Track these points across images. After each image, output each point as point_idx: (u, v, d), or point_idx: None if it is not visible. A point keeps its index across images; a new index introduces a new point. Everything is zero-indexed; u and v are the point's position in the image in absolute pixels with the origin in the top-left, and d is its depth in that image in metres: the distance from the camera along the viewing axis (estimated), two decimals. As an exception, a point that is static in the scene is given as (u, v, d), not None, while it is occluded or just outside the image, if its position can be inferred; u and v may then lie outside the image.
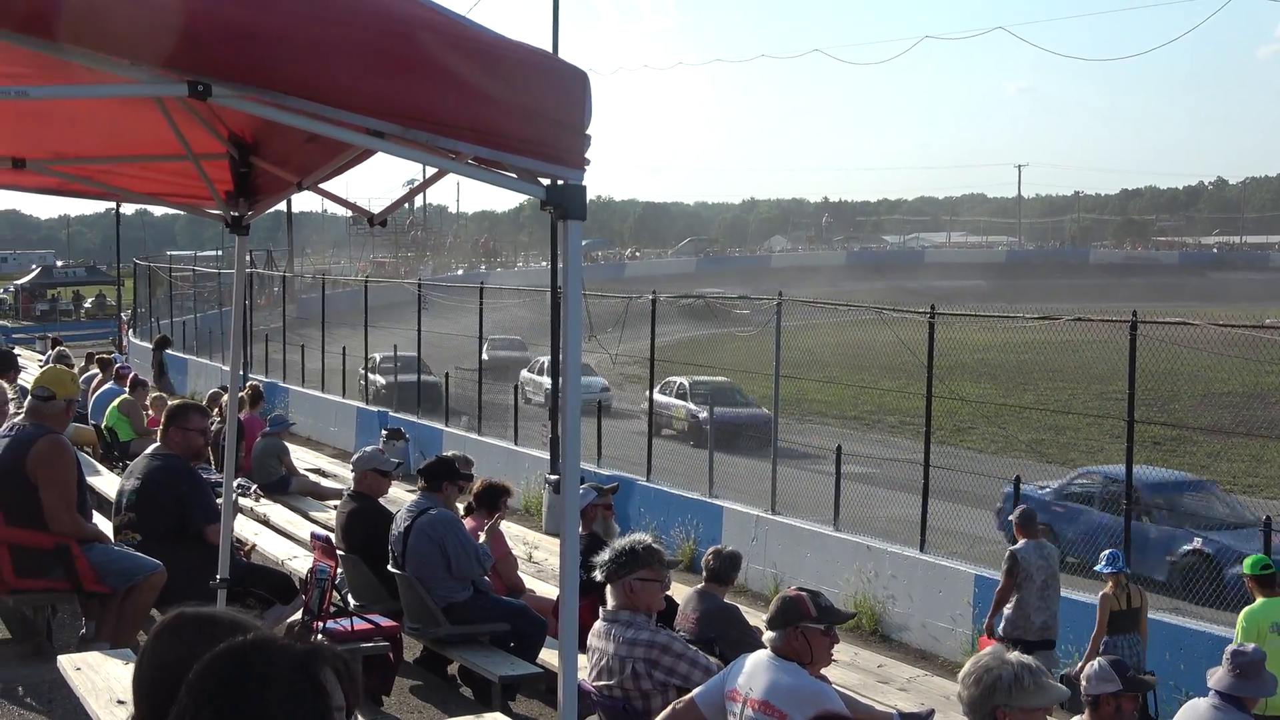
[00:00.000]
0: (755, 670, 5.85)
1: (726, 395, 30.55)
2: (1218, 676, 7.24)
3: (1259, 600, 10.63)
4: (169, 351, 29.08)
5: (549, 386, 30.23)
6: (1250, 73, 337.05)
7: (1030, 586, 12.07)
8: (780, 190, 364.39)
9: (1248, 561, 10.95)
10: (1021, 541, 12.31)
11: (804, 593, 6.04)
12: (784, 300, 18.64)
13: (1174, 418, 30.50)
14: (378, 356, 30.82)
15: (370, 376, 30.31)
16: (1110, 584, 11.67)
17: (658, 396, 26.76)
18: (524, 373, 34.06)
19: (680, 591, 9.46)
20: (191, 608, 3.17)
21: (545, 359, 32.33)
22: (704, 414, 24.93)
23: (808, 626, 5.85)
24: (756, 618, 9.07)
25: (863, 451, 23.86)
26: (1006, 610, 12.22)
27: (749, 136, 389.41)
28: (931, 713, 7.98)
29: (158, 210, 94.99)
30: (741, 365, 31.58)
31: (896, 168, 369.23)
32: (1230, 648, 7.54)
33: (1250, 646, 7.59)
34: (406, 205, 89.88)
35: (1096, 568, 11.97)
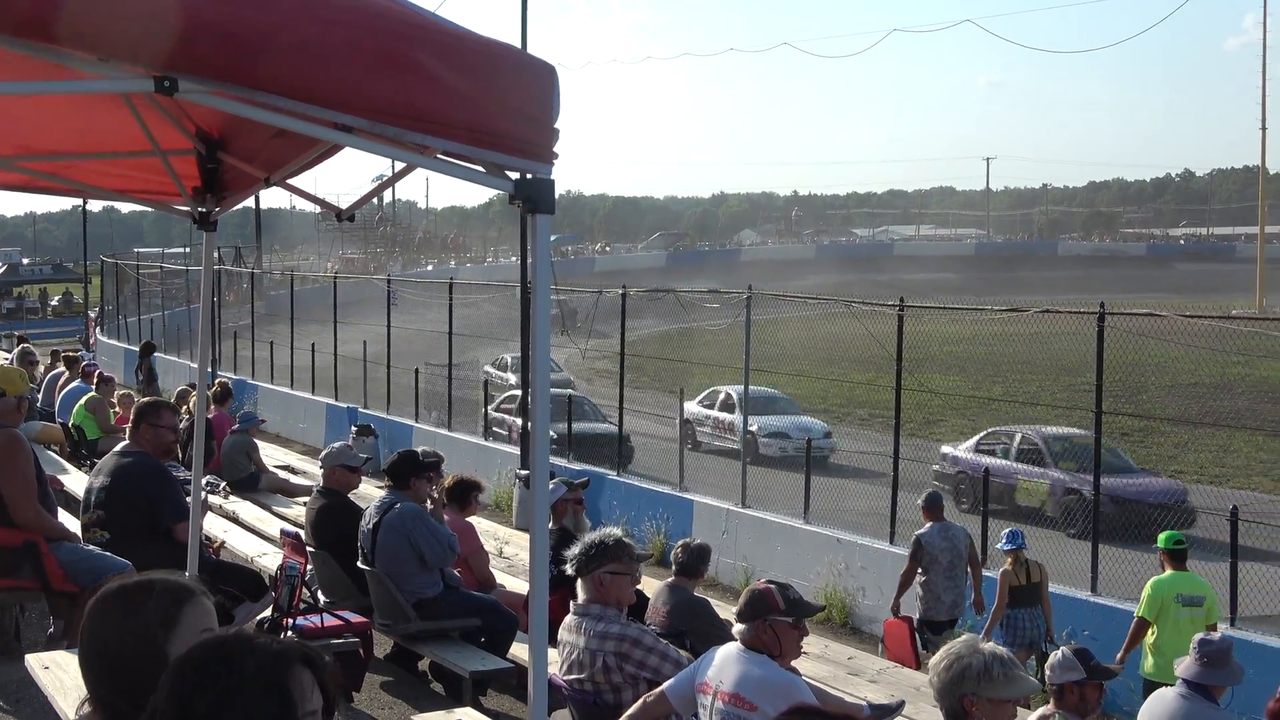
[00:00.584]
0: (725, 663, 5.87)
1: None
2: (1185, 665, 7.27)
3: (1168, 572, 11.07)
4: (158, 355, 28.88)
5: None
6: (1218, 65, 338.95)
7: (937, 568, 12.49)
8: (750, 184, 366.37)
9: (1162, 536, 11.38)
10: (927, 525, 12.70)
11: (773, 586, 6.06)
12: (753, 294, 18.67)
13: (1142, 409, 30.68)
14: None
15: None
16: (1010, 561, 12.16)
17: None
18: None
19: (651, 585, 9.48)
20: (124, 578, 3.18)
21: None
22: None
23: (776, 619, 5.87)
24: (727, 611, 9.08)
25: (833, 444, 23.95)
26: (918, 592, 12.61)
27: (718, 130, 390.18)
28: (901, 704, 8.03)
29: (125, 207, 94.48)
30: (712, 359, 31.59)
31: (866, 161, 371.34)
32: (1198, 636, 7.59)
33: (1218, 635, 7.65)
34: (375, 201, 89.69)
35: (997, 545, 12.55)
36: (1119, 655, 10.98)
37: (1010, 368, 38.93)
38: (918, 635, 12.53)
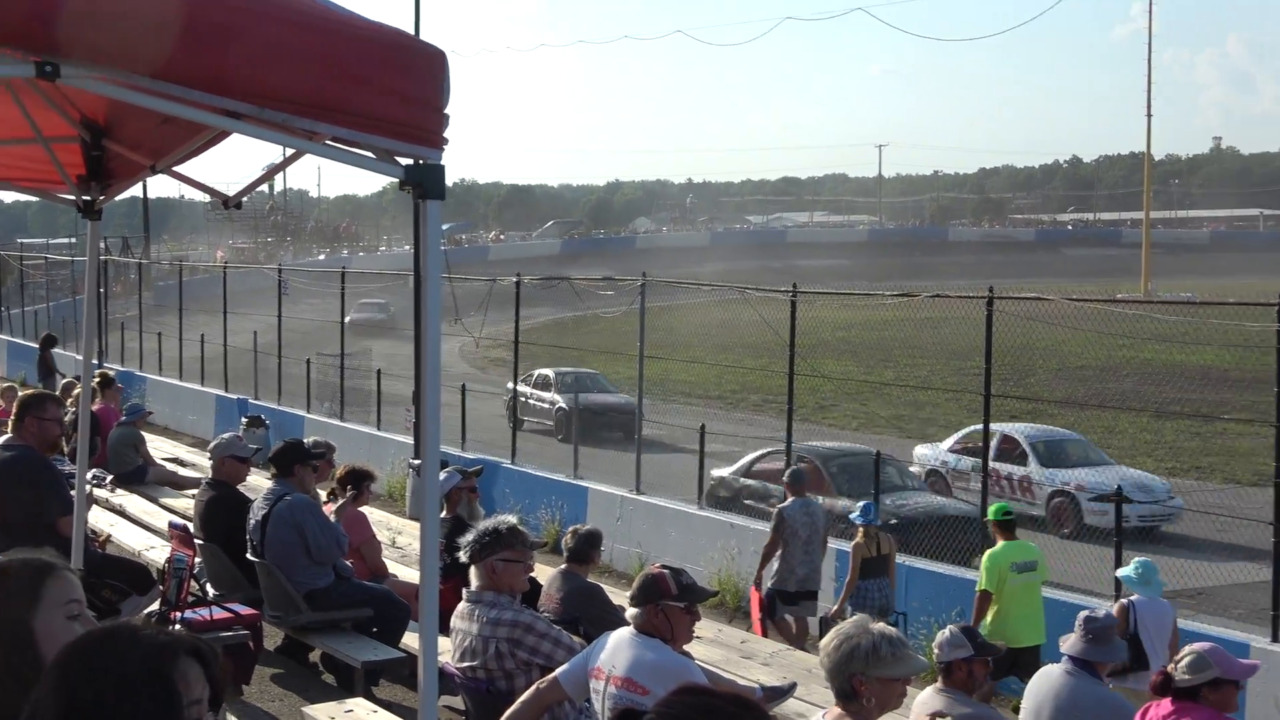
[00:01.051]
0: (618, 648, 5.89)
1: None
2: (1070, 642, 7.39)
3: (1000, 544, 11.51)
4: (57, 351, 28.27)
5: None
6: (1105, 53, 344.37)
7: (795, 542, 12.75)
8: (645, 172, 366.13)
9: (992, 509, 11.93)
10: (789, 500, 12.97)
11: (666, 570, 6.09)
12: (648, 281, 18.70)
13: (1030, 391, 31.15)
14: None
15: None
16: (861, 534, 12.51)
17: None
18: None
19: (545, 573, 9.48)
20: None
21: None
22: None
23: (669, 604, 5.90)
24: (622, 597, 9.12)
25: (727, 430, 24.05)
26: (775, 564, 12.85)
27: (614, 118, 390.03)
28: (794, 686, 8.13)
29: (8, 196, 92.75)
30: (606, 347, 31.62)
31: (760, 148, 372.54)
32: (1082, 613, 7.70)
33: (1102, 612, 7.78)
34: (266, 189, 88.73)
35: (851, 516, 12.86)
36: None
37: (902, 352, 39.40)
38: (772, 605, 12.80)
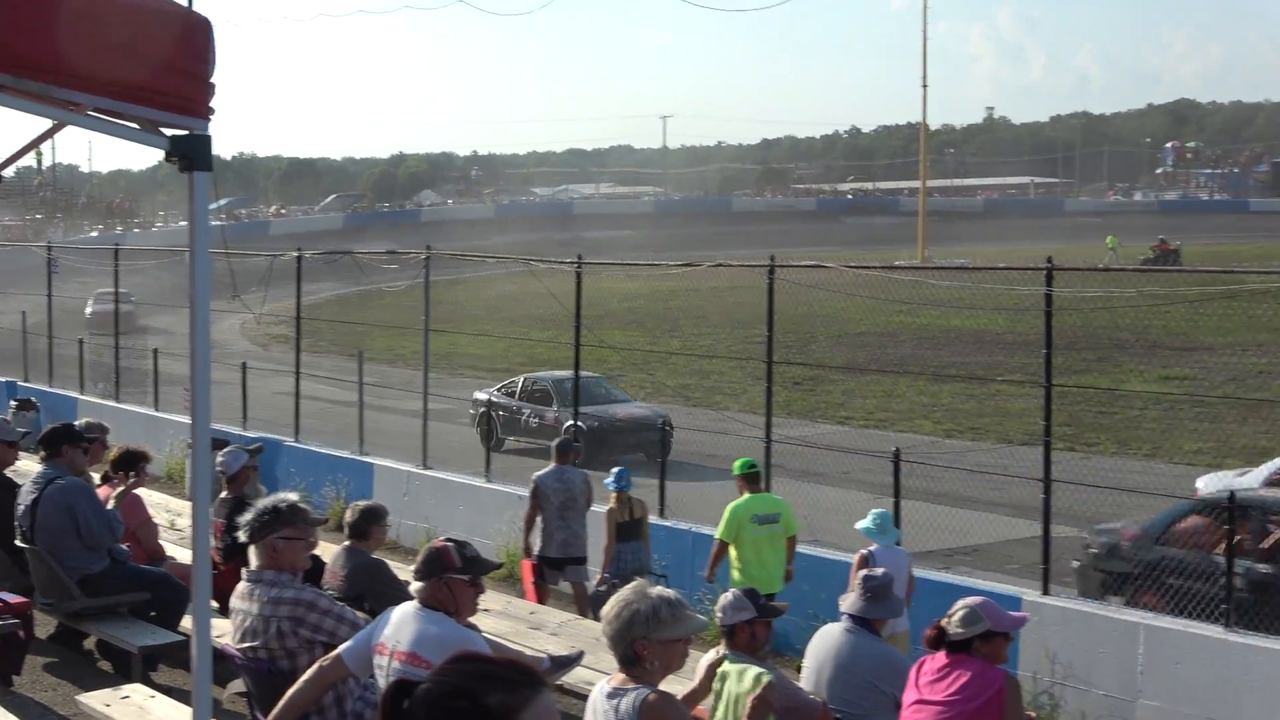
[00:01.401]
0: (402, 622, 5.85)
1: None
2: (850, 601, 7.54)
3: (744, 496, 11.93)
4: None
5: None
6: (884, 24, 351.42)
7: (550, 509, 12.94)
8: (429, 144, 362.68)
9: (736, 463, 12.23)
10: (546, 468, 13.16)
11: (450, 543, 6.06)
12: (432, 254, 18.55)
13: (812, 358, 31.87)
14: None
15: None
16: (614, 499, 12.73)
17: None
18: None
19: (330, 550, 9.36)
20: None
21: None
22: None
23: (452, 577, 5.88)
24: (410, 573, 9.06)
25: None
26: (539, 531, 13.10)
27: (397, 90, 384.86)
28: (581, 654, 8.15)
29: None
30: (393, 321, 31.29)
31: (545, 120, 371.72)
32: (861, 572, 7.88)
33: (880, 571, 7.94)
34: (34, 165, 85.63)
35: (605, 482, 12.98)
36: (706, 574, 12.12)
37: (688, 322, 39.88)
38: (540, 572, 13.00)
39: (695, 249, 65.60)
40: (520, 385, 25.56)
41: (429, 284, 18.35)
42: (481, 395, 25.53)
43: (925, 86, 73.61)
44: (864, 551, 10.68)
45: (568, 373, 21.21)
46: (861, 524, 10.88)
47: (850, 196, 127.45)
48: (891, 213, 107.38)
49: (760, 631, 6.80)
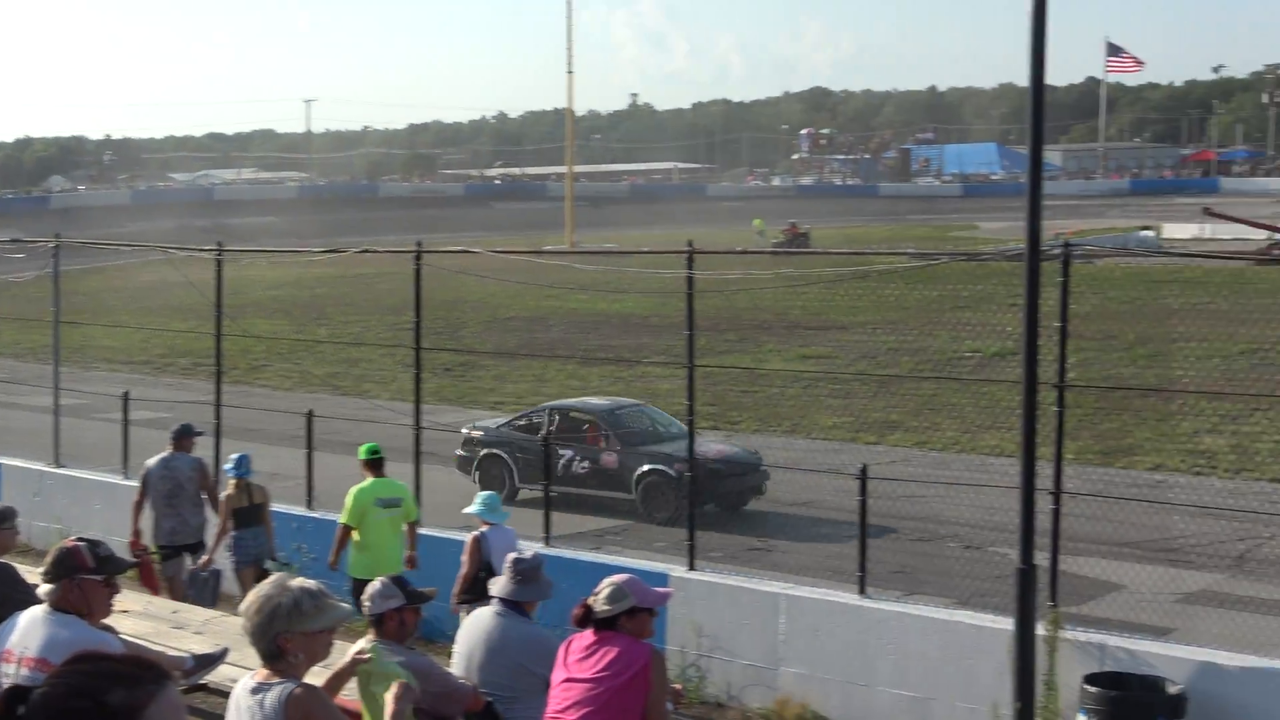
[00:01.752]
0: (30, 627, 5.59)
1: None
2: (501, 584, 7.59)
3: (368, 480, 12.20)
4: None
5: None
6: (531, 10, 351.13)
7: (156, 496, 12.99)
8: (58, 128, 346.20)
9: (361, 449, 12.46)
10: (155, 458, 13.15)
11: (82, 543, 5.83)
12: (61, 242, 17.79)
13: (463, 344, 31.91)
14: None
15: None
16: (233, 485, 12.80)
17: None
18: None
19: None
20: None
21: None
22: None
23: (84, 578, 5.65)
24: (40, 576, 8.67)
25: (155, 396, 23.23)
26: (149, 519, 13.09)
27: (22, 71, 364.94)
28: (226, 651, 7.98)
29: None
30: (19, 314, 29.77)
31: (184, 103, 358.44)
32: (511, 555, 7.94)
33: (530, 554, 8.03)
34: None
35: (224, 468, 13.09)
36: (330, 559, 12.24)
37: (335, 310, 39.31)
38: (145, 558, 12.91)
39: (343, 235, 64.91)
40: (547, 418, 19.37)
41: (59, 273, 17.60)
42: (478, 432, 19.67)
43: (570, 73, 74.23)
44: (475, 534, 11.00)
45: (608, 400, 20.02)
46: (471, 508, 11.15)
47: (498, 182, 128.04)
48: (540, 198, 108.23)
49: (409, 619, 6.78)
